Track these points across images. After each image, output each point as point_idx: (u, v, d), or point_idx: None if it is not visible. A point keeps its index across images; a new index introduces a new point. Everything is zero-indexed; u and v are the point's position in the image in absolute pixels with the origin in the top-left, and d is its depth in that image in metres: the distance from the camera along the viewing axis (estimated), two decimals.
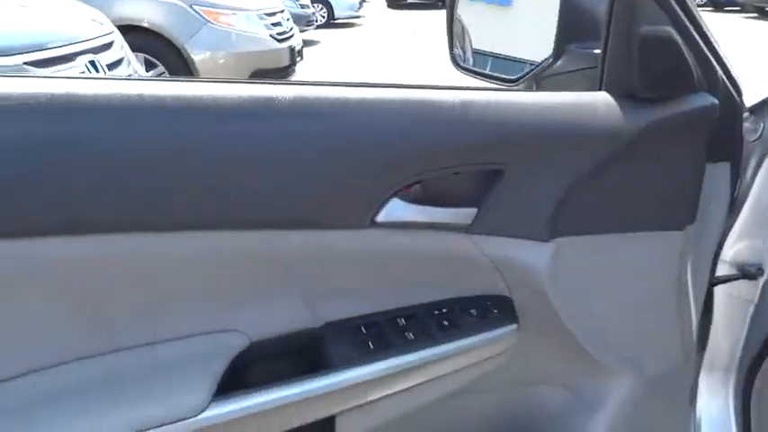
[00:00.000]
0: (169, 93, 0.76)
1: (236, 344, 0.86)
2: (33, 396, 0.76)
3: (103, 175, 0.72)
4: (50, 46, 2.89)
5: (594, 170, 0.93)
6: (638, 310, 1.07)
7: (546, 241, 0.95)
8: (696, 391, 1.24)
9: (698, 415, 1.26)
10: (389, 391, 0.89)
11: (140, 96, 0.74)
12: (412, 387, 0.91)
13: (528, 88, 1.32)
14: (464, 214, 0.90)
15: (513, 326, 0.97)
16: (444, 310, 0.96)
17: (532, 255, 0.94)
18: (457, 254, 0.93)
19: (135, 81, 0.80)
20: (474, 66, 1.49)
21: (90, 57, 3.13)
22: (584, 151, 0.91)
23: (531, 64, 1.31)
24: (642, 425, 1.13)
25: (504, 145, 0.89)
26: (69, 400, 0.77)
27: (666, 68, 0.94)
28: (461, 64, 1.49)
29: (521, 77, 1.33)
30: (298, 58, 6.39)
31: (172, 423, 0.76)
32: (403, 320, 0.94)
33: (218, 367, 0.83)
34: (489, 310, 0.98)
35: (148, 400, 0.77)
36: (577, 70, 1.20)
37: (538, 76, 1.29)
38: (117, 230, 0.74)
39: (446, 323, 0.93)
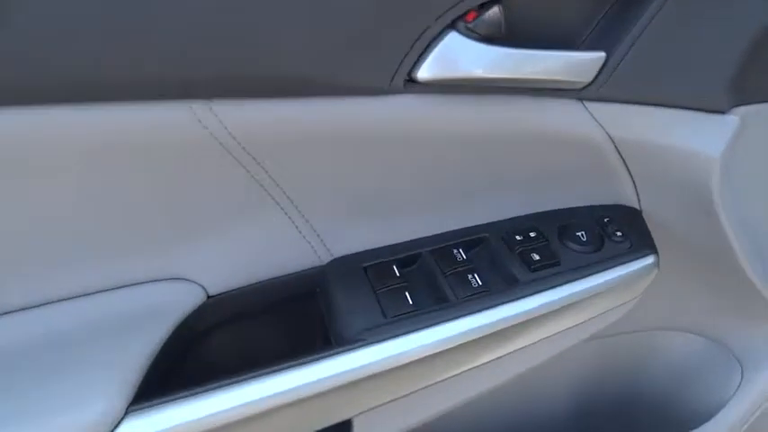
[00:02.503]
0: None
1: (181, 302, 0.50)
2: None
3: None
4: None
5: None
6: None
7: (723, 113, 0.53)
8: None
9: None
10: (437, 380, 0.53)
11: None
12: (469, 371, 0.54)
13: None
14: (578, 65, 0.49)
15: (650, 259, 0.58)
16: (532, 235, 0.57)
17: (699, 135, 0.53)
18: (560, 136, 0.52)
19: None
20: None
21: None
22: None
23: None
24: None
25: None
26: None
27: None
28: None
29: None
30: None
31: None
32: (462, 253, 0.56)
33: (145, 348, 0.47)
34: (608, 232, 0.58)
35: (28, 407, 0.43)
36: None
37: None
38: None
39: (536, 258, 0.55)
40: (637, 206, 0.61)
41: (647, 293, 0.62)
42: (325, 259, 0.54)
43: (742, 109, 0.53)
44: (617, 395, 0.79)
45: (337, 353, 0.47)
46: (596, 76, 0.49)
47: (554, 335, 0.55)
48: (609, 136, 0.53)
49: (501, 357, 0.54)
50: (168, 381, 0.50)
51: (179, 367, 0.51)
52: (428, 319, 0.50)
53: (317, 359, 0.47)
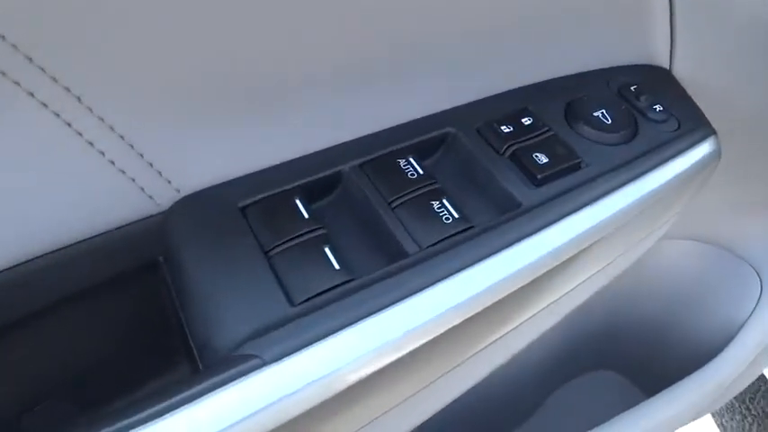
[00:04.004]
0: None
1: None
2: None
3: None
4: None
5: None
6: None
7: None
8: None
9: None
10: (394, 404, 0.30)
11: None
12: (449, 372, 0.32)
13: None
14: None
15: (709, 144, 0.36)
16: (526, 123, 0.34)
17: None
18: None
19: None
20: None
21: None
22: None
23: None
24: None
25: None
26: None
27: None
28: None
29: None
30: None
31: None
32: (415, 165, 0.32)
33: None
34: (640, 106, 0.36)
35: None
36: None
37: None
38: None
39: (542, 161, 0.32)
40: (666, 65, 0.39)
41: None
42: (166, 200, 0.29)
43: None
44: (621, 315, 0.61)
45: (204, 390, 0.23)
46: None
47: (581, 284, 0.34)
48: None
49: (502, 337, 0.32)
50: None
51: None
52: (375, 297, 0.26)
53: (167, 409, 0.22)
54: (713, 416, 1.20)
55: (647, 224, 0.36)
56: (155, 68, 0.25)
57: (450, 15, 0.31)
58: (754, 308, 0.57)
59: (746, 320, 0.56)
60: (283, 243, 0.28)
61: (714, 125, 0.39)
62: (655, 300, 0.60)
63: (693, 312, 0.59)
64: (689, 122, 0.36)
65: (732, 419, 1.16)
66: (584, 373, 0.67)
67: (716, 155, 0.36)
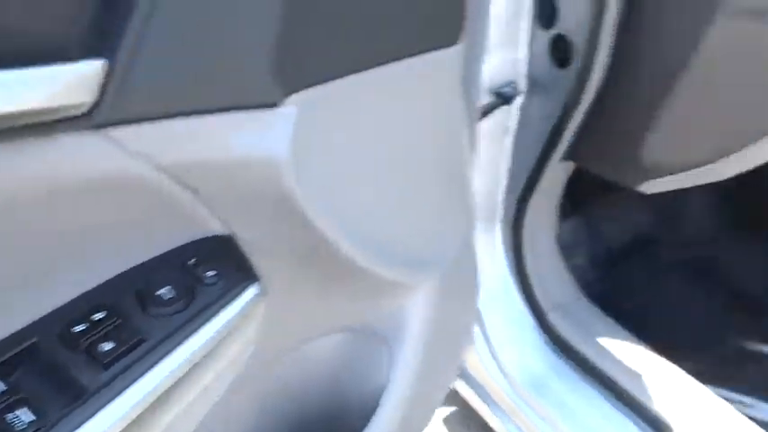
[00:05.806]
0: None
1: None
2: None
3: None
4: None
5: None
6: (412, 179, 0.66)
7: (276, 105, 0.46)
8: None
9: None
10: None
11: None
12: None
13: None
14: (65, 82, 0.35)
15: (250, 290, 0.48)
16: (98, 318, 0.42)
17: (257, 138, 0.45)
18: (91, 183, 0.38)
19: None
20: None
21: None
22: None
23: None
24: (444, 341, 0.80)
25: None
26: None
27: None
28: None
29: None
30: None
31: None
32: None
33: None
34: (199, 276, 0.47)
35: None
36: None
37: None
38: None
39: (107, 348, 0.40)
40: (229, 232, 0.51)
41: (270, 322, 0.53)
42: None
43: (299, 96, 0.47)
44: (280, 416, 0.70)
45: None
46: (102, 93, 0.36)
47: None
48: (155, 165, 0.41)
49: None
50: None
51: None
52: None
53: None
54: None
55: (207, 374, 0.46)
56: None
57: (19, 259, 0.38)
58: (389, 373, 0.71)
59: (382, 396, 0.70)
60: None
61: (280, 261, 0.51)
62: (303, 397, 0.71)
63: (346, 395, 0.72)
64: (233, 279, 0.48)
65: None
66: None
67: (259, 297, 0.48)
